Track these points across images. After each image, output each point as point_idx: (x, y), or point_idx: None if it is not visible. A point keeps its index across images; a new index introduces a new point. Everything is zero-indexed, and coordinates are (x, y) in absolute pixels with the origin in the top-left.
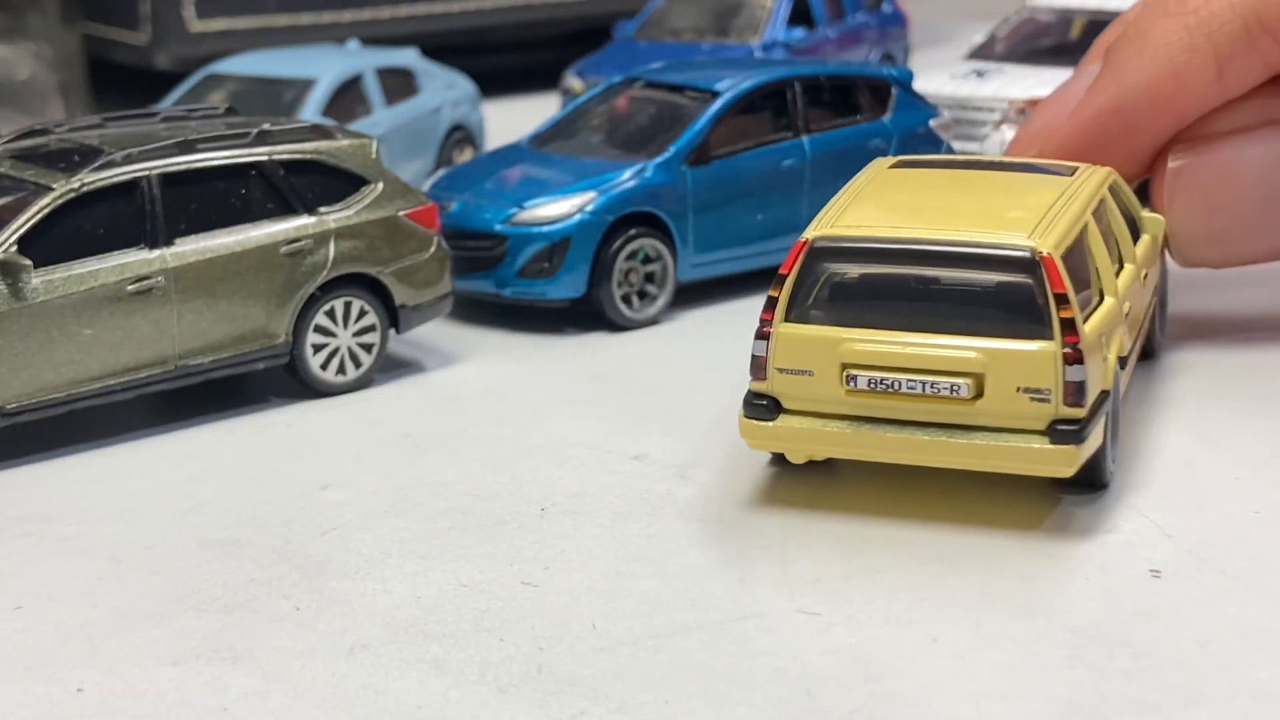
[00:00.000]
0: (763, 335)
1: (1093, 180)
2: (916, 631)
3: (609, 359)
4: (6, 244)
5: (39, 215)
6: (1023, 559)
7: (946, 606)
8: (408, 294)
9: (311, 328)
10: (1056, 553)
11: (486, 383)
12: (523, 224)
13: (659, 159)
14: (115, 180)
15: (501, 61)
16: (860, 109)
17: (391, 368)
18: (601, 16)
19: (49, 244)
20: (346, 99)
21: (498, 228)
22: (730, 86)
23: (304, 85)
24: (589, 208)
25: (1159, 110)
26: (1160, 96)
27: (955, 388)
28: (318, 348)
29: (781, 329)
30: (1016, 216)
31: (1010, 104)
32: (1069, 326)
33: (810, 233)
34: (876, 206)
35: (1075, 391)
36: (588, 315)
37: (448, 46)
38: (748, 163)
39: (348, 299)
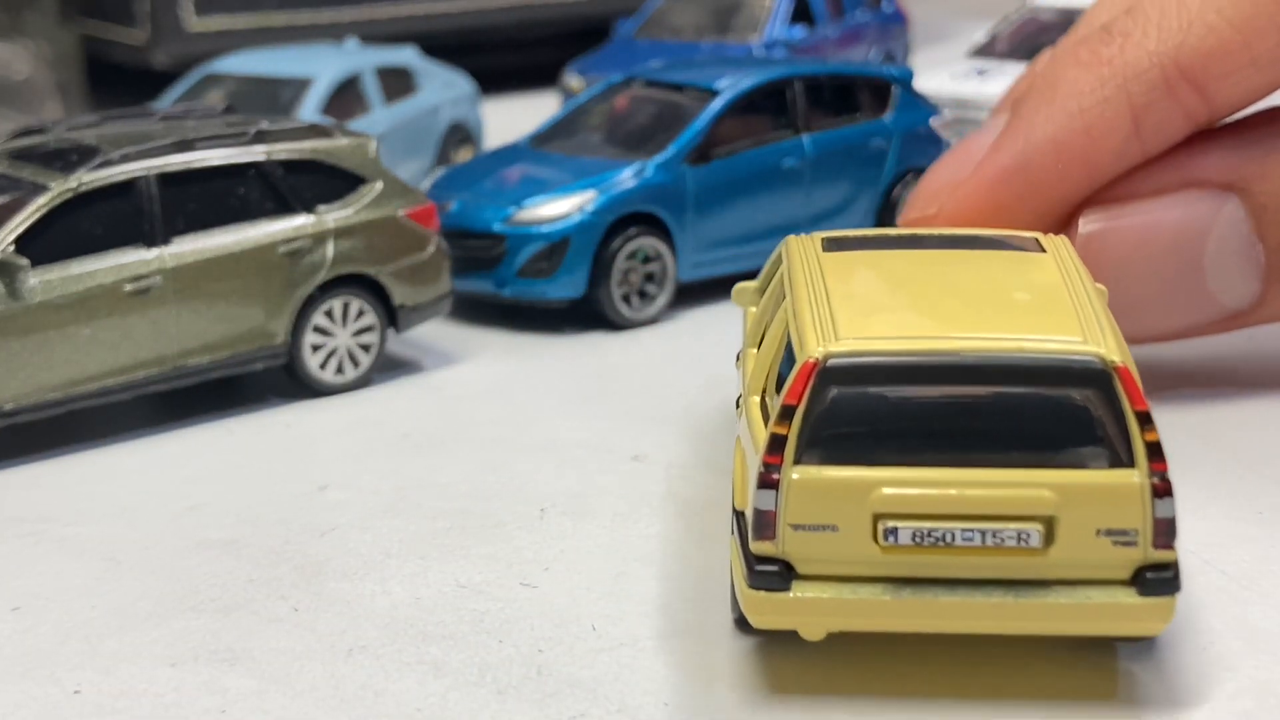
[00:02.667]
0: (769, 484)
1: (1073, 255)
2: None
3: (609, 359)
4: (4, 243)
5: (37, 214)
6: None
7: None
8: (406, 294)
9: (310, 327)
10: None
11: (486, 383)
12: (522, 223)
13: (659, 158)
14: (113, 179)
15: (501, 60)
16: (861, 108)
17: (390, 368)
18: (601, 15)
19: (47, 243)
20: (345, 98)
21: (497, 227)
22: (730, 85)
23: (302, 84)
24: (588, 207)
25: (1069, 167)
26: (1070, 152)
27: (1024, 536)
28: (316, 347)
29: (795, 475)
30: (1048, 313)
31: None
32: (1155, 452)
33: (818, 350)
34: (873, 307)
35: (1166, 530)
36: (587, 315)
37: (447, 45)
38: (748, 162)
39: (346, 298)
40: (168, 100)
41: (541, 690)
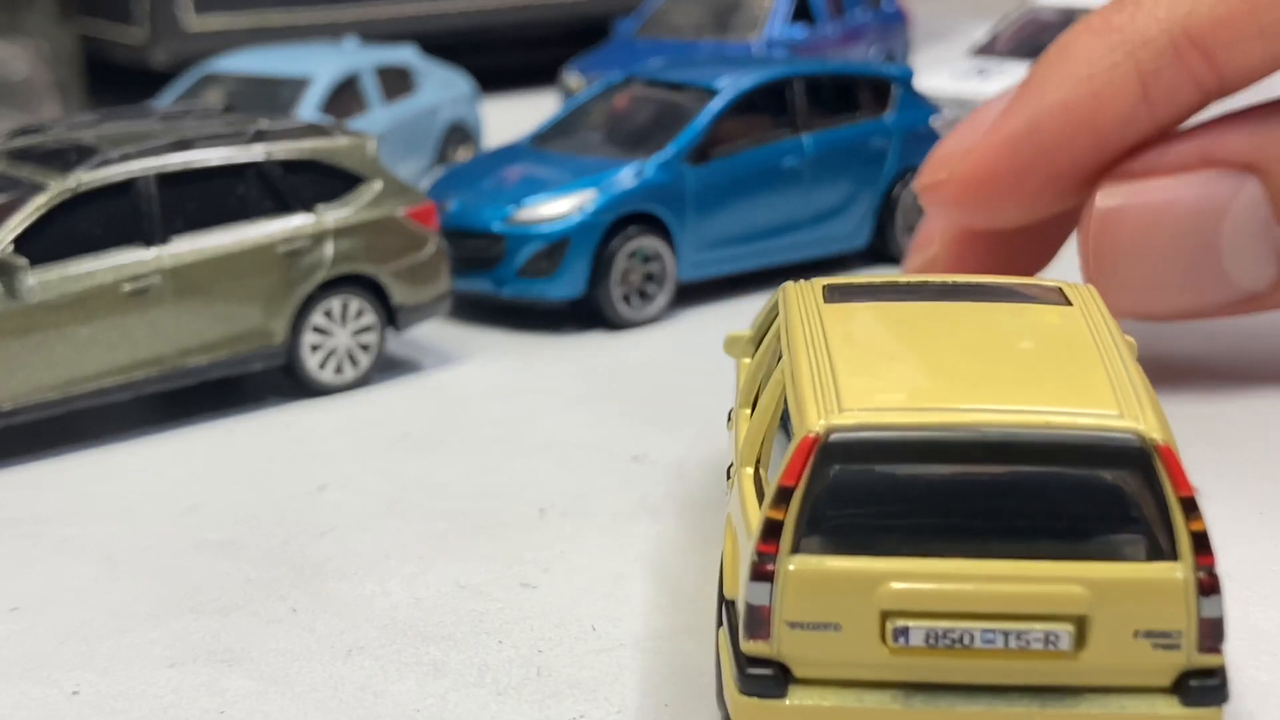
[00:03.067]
0: (763, 575)
1: (1101, 308)
2: None
3: (609, 359)
4: (3, 243)
5: (35, 214)
6: None
7: None
8: (406, 293)
9: (309, 327)
10: None
11: (486, 383)
12: (521, 223)
13: (659, 158)
14: (112, 179)
15: (500, 59)
16: (861, 107)
17: (390, 368)
18: (600, 14)
19: (45, 243)
20: (344, 97)
21: (496, 227)
22: (730, 85)
23: (301, 83)
24: (588, 207)
25: (1077, 132)
26: (1078, 116)
27: (1053, 638)
28: (315, 347)
29: (793, 565)
30: (1078, 380)
31: None
32: (1201, 543)
33: (819, 423)
34: (882, 372)
35: (1213, 632)
36: (587, 315)
37: (446, 44)
38: (748, 161)
39: (345, 298)
40: (167, 99)
41: (541, 691)
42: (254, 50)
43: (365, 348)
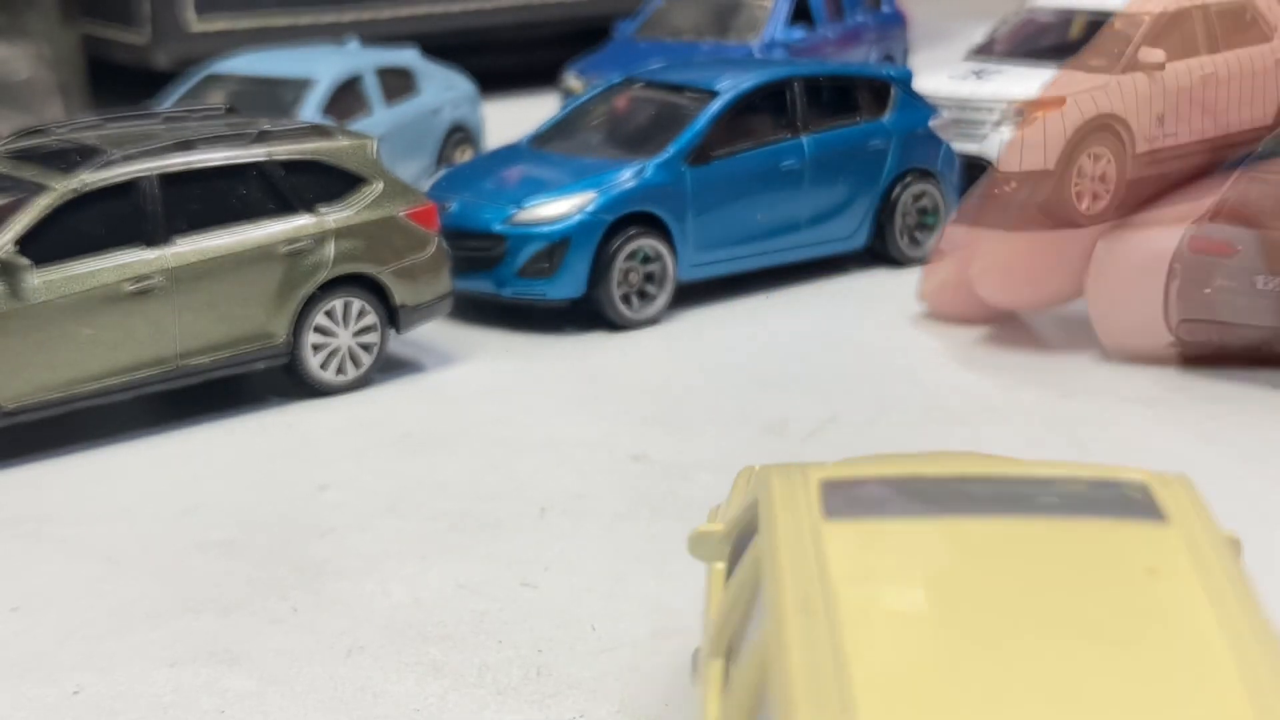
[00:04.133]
0: None
1: (1196, 510)
2: None
3: (609, 359)
4: (6, 244)
5: (39, 215)
6: None
7: None
8: (407, 294)
9: (311, 327)
10: None
11: (486, 383)
12: (522, 224)
13: (659, 159)
14: (115, 180)
15: (501, 60)
16: (860, 109)
17: (391, 368)
18: (601, 15)
19: (49, 243)
20: (346, 98)
21: (497, 227)
22: (730, 86)
23: (303, 85)
24: (588, 208)
25: None
26: None
27: None
28: (317, 348)
29: None
30: (1198, 687)
31: (1010, 104)
32: None
33: None
34: (912, 672)
35: None
36: (587, 315)
37: (447, 45)
38: (747, 163)
39: (347, 299)
40: (169, 101)
41: (541, 691)
42: (256, 51)
43: (367, 348)
